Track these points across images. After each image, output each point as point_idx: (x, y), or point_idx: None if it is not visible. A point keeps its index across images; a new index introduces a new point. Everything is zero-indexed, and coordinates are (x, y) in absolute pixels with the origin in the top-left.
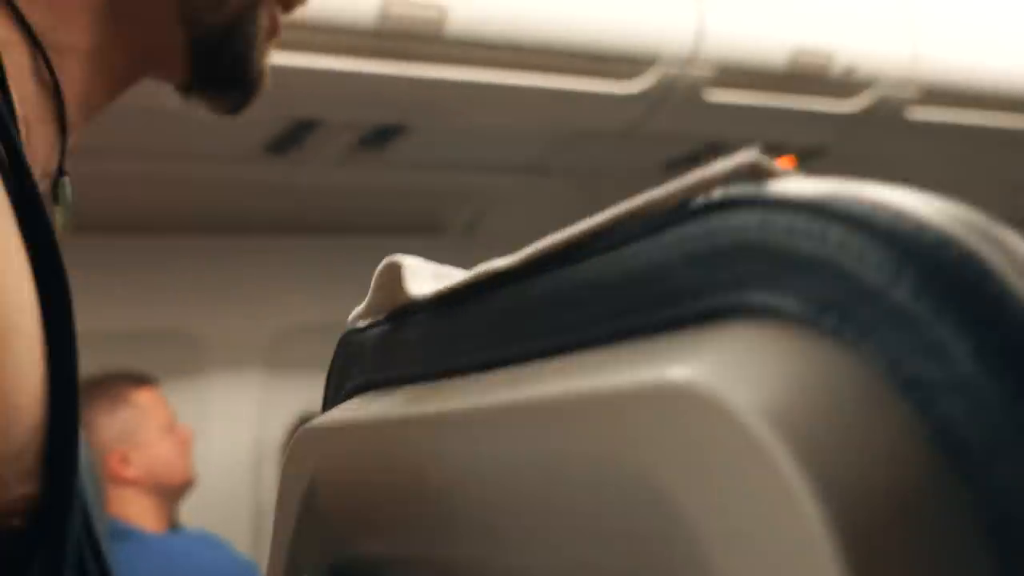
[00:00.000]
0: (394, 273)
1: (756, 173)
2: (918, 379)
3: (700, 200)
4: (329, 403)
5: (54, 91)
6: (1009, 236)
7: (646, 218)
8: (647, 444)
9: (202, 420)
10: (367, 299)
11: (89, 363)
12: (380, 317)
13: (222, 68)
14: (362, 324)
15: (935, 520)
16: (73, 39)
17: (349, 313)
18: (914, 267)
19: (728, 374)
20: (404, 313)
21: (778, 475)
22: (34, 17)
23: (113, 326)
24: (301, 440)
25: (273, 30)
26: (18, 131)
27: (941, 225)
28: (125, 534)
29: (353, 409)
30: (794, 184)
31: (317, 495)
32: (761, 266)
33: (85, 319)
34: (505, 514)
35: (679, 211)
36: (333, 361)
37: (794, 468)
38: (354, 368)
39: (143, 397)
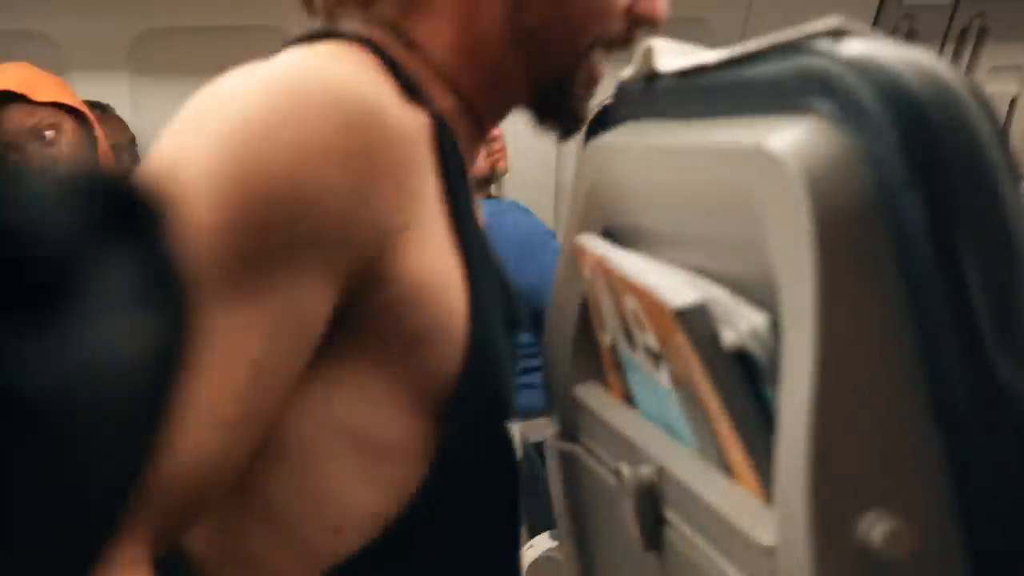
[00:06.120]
0: (649, 51)
1: (836, 32)
2: (878, 157)
3: (798, 44)
4: (599, 130)
5: (476, 122)
6: (944, 81)
7: (772, 50)
8: (750, 171)
9: None
10: (633, 66)
11: None
12: (639, 78)
13: (556, 108)
14: (628, 81)
15: (868, 211)
16: (469, 92)
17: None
18: (884, 104)
19: (789, 143)
20: (652, 78)
21: (792, 186)
22: (461, 85)
23: None
24: (588, 151)
25: (592, 80)
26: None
27: (906, 81)
28: None
29: (616, 134)
30: (849, 44)
31: (596, 187)
32: (826, 88)
33: None
34: (676, 202)
35: (787, 49)
36: (613, 102)
37: (801, 183)
38: (622, 109)
39: None
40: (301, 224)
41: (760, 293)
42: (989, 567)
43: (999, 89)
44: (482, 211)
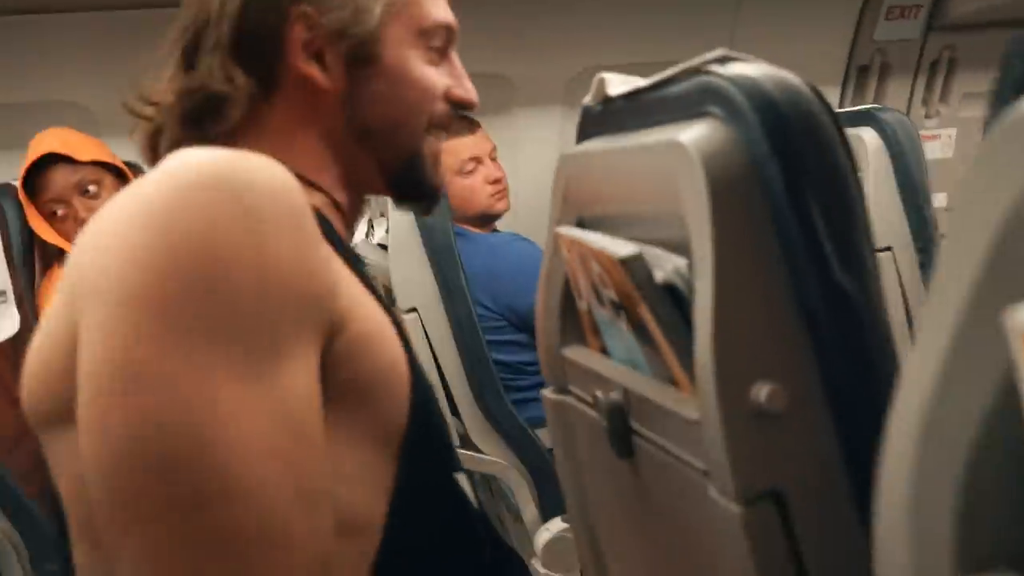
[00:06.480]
0: (602, 82)
1: (723, 58)
2: (748, 139)
3: (699, 68)
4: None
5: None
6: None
7: (682, 74)
8: (669, 159)
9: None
10: (591, 94)
11: None
12: (597, 102)
13: (414, 188)
14: (590, 105)
15: (744, 177)
16: (330, 190)
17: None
18: (751, 105)
19: (693, 137)
20: (605, 102)
21: (695, 166)
22: (319, 182)
23: None
24: (561, 161)
25: (436, 157)
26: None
27: (766, 89)
28: (460, 234)
29: (584, 144)
30: (731, 66)
31: (569, 188)
32: (714, 97)
33: None
34: (625, 191)
35: (692, 72)
36: (579, 122)
37: (699, 163)
38: (586, 127)
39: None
40: (274, 294)
41: (682, 248)
42: (845, 413)
43: (973, 114)
44: (490, 242)
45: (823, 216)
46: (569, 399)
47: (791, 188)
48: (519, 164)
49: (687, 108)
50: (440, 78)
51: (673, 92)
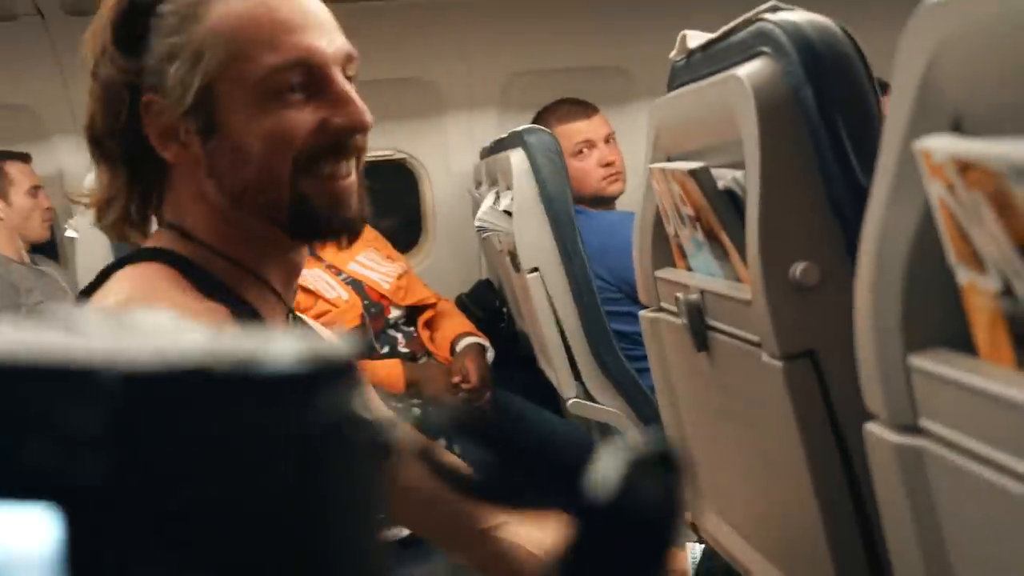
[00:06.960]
0: (683, 38)
1: (773, 7)
2: (789, 70)
3: (755, 18)
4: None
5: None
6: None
7: (742, 24)
8: (729, 91)
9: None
10: (675, 50)
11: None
12: (681, 57)
13: (316, 231)
14: (676, 59)
15: (784, 101)
16: (256, 267)
17: None
18: (793, 44)
19: (747, 72)
20: (688, 55)
21: (747, 93)
22: (248, 263)
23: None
24: (651, 109)
25: (334, 195)
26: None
27: (806, 31)
28: (579, 212)
29: (670, 95)
30: (780, 13)
31: (659, 132)
32: (766, 39)
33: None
34: (698, 122)
35: (749, 21)
36: (669, 76)
37: (751, 91)
38: (674, 80)
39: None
40: None
41: (739, 167)
42: None
43: None
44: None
45: (848, 132)
46: (661, 315)
47: (822, 109)
48: (639, 152)
49: (746, 51)
50: (305, 116)
51: (736, 39)
